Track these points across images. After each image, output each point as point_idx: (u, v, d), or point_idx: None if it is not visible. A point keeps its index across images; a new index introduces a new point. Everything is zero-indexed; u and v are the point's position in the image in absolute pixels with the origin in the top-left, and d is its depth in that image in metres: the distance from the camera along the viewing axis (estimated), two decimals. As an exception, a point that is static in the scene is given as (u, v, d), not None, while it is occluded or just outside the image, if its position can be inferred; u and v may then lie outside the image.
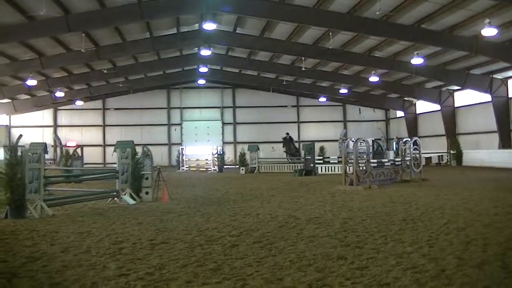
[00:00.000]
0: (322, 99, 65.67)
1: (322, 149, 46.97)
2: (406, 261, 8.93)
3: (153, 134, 65.22)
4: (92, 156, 59.64)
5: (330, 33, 35.96)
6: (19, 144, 16.52)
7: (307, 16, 32.62)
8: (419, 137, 41.00)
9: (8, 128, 66.25)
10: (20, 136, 17.40)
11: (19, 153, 15.93)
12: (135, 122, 65.75)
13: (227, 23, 38.53)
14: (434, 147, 54.22)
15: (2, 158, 17.51)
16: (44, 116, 66.77)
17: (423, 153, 31.52)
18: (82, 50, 36.68)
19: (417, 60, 37.91)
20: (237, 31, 39.85)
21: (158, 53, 47.58)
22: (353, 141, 27.13)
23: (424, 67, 41.14)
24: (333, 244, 10.51)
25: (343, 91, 57.63)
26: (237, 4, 32.71)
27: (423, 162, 31.20)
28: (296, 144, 55.31)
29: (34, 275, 8.30)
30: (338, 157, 41.55)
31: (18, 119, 65.96)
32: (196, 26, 39.78)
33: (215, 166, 50.97)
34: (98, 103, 67.09)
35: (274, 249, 10.19)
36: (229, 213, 16.04)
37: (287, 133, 48.22)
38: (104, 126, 67.46)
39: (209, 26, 35.63)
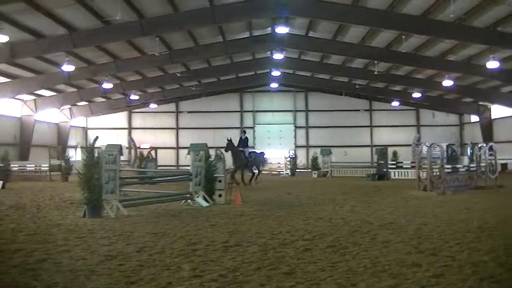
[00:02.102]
0: (395, 103, 64.79)
1: (395, 153, 46.45)
2: (483, 270, 8.70)
3: (225, 136, 65.43)
4: (165, 158, 60.44)
5: (403, 37, 35.49)
6: (96, 145, 16.82)
7: (380, 19, 32.31)
8: (495, 142, 40.00)
9: (85, 130, 67.85)
10: (97, 138, 17.83)
11: (96, 155, 16.29)
12: (208, 125, 66.23)
13: (300, 27, 38.48)
14: (511, 153, 52.86)
15: (80, 159, 17.89)
16: (119, 118, 68.05)
17: (499, 159, 30.78)
18: (156, 54, 37.21)
19: (492, 64, 36.90)
20: (309, 35, 39.74)
21: (231, 57, 47.89)
22: (427, 146, 26.73)
23: (499, 70, 40.10)
24: (407, 250, 10.38)
25: (416, 95, 56.73)
26: (309, 7, 32.62)
27: (499, 168, 30.41)
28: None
29: (111, 273, 8.48)
30: (411, 162, 41.01)
31: (94, 121, 67.46)
32: (269, 29, 39.89)
33: (287, 170, 50.95)
34: (171, 106, 67.96)
35: (347, 254, 10.13)
36: (301, 217, 16.02)
37: (229, 139, 31.42)
38: (177, 128, 68.27)
39: (281, 29, 35.69)
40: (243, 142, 32.58)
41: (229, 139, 31.06)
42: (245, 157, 31.53)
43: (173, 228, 13.53)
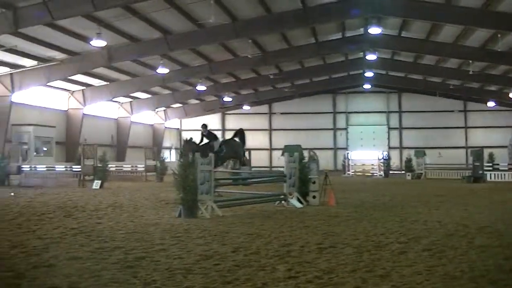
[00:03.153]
0: (490, 104, 62.89)
1: (491, 155, 45.23)
2: None
3: (319, 138, 65.25)
4: (258, 159, 60.75)
5: (499, 35, 34.43)
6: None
7: (474, 17, 31.43)
8: None
9: (179, 131, 69.05)
10: (191, 139, 18.26)
11: (190, 156, 16.52)
12: (301, 126, 66.16)
13: (392, 27, 37.97)
14: None
15: (175, 160, 18.19)
16: (213, 120, 68.84)
17: None
18: (249, 56, 37.48)
19: None
20: (402, 35, 39.14)
21: (324, 58, 47.74)
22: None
23: None
24: (505, 256, 10.07)
25: (514, 95, 54.96)
26: (401, 7, 32.13)
27: None
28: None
29: (207, 273, 8.55)
30: (508, 164, 39.86)
31: (188, 122, 68.51)
32: (361, 30, 39.56)
33: (381, 171, 50.39)
34: (264, 108, 68.28)
35: (443, 257, 9.90)
36: (396, 219, 15.78)
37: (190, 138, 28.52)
38: (270, 130, 68.56)
39: (374, 30, 35.33)
40: (207, 137, 28.40)
41: (186, 139, 27.89)
42: (214, 152, 24.85)
43: (267, 229, 13.57)
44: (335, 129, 67.44)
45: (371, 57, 43.14)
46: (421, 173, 45.75)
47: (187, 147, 25.10)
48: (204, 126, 28.61)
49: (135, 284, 7.81)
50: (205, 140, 28.13)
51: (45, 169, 34.21)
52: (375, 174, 51.17)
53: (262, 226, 14.03)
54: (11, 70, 35.64)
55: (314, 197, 20.64)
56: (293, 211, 18.41)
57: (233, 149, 28.84)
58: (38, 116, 40.44)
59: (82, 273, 8.46)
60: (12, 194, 25.74)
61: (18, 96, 37.89)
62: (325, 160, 58.35)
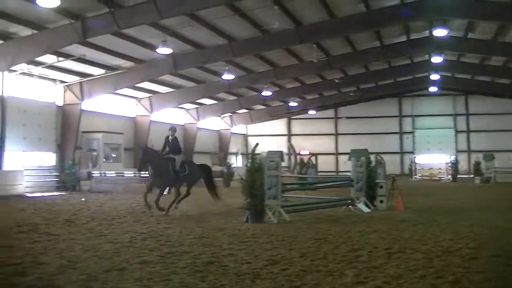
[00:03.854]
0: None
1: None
2: None
3: (384, 142, 64.57)
4: (324, 164, 60.50)
5: None
6: (256, 152, 17.17)
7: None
8: None
9: (245, 137, 69.39)
10: (257, 144, 18.25)
11: (257, 161, 16.59)
12: (366, 130, 65.62)
13: (458, 29, 37.23)
14: None
15: (241, 166, 18.31)
16: (278, 125, 68.97)
17: None
18: (314, 61, 37.37)
19: None
20: (468, 36, 38.41)
21: (389, 61, 47.30)
22: None
23: None
24: None
25: None
26: (466, 8, 31.48)
27: None
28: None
29: (275, 278, 8.59)
30: None
31: (254, 128, 68.80)
32: (426, 32, 39.00)
33: (449, 175, 49.59)
34: (330, 112, 67.99)
35: (515, 264, 9.72)
36: (465, 223, 15.54)
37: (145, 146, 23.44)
38: (336, 134, 68.25)
39: (439, 32, 34.80)
40: (172, 146, 20.42)
41: (144, 146, 21.86)
42: (174, 169, 19.57)
43: (335, 233, 13.53)
44: (401, 133, 66.66)
45: (436, 59, 42.50)
46: (490, 177, 44.86)
47: (144, 157, 19.37)
48: (173, 129, 20.87)
49: (204, 289, 7.89)
50: (168, 148, 20.66)
51: (114, 175, 34.85)
52: (442, 178, 50.41)
53: (329, 231, 14.00)
54: (81, 78, 36.43)
55: (381, 201, 20.51)
56: (361, 215, 18.33)
57: (196, 173, 21.31)
58: (106, 123, 41.19)
59: (152, 276, 8.63)
60: (83, 199, 26.30)
61: (87, 104, 38.70)
62: (391, 164, 57.72)
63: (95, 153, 37.63)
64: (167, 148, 20.23)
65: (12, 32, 27.69)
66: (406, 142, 66.24)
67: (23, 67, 31.81)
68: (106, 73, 36.19)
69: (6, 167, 31.88)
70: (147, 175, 34.07)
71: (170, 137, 20.36)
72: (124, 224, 15.80)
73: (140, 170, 21.37)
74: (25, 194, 29.30)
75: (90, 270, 9.06)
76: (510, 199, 24.99)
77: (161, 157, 19.73)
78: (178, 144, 20.63)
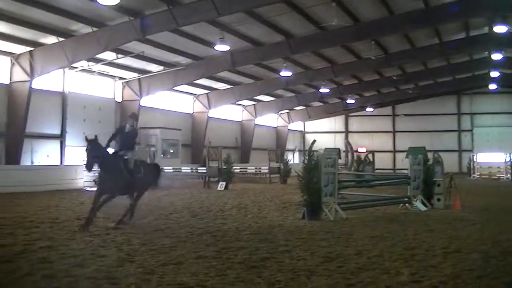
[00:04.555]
0: None
1: None
2: None
3: (442, 140, 63.71)
4: (381, 161, 59.96)
5: None
6: (313, 149, 17.17)
7: None
8: None
9: (302, 133, 69.40)
10: (314, 141, 18.21)
11: (314, 158, 16.62)
12: (424, 128, 64.87)
13: (520, 25, 36.56)
14: None
15: (298, 163, 18.28)
16: (336, 122, 68.77)
17: None
18: (371, 58, 37.13)
19: None
20: (531, 32, 37.61)
21: (447, 58, 46.62)
22: None
23: None
24: None
25: None
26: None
27: None
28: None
29: (331, 275, 8.63)
30: None
31: (311, 125, 68.76)
32: (486, 29, 38.31)
33: (508, 175, 48.66)
34: (387, 110, 67.51)
35: None
36: (524, 224, 15.32)
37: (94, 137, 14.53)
38: (393, 132, 67.71)
39: (499, 28, 34.16)
40: (123, 140, 15.48)
41: (91, 139, 14.39)
42: (127, 169, 14.88)
43: (391, 231, 13.48)
44: (459, 131, 65.68)
45: (497, 56, 41.73)
46: (552, 176, 43.95)
47: (90, 153, 14.07)
48: (134, 117, 16.64)
49: (260, 284, 7.99)
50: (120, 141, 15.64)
51: (171, 170, 35.20)
52: (501, 177, 49.47)
53: (385, 229, 13.95)
54: (139, 75, 37.00)
55: (438, 200, 20.30)
56: (418, 214, 18.20)
57: (151, 176, 16.24)
58: (164, 119, 41.71)
59: (208, 271, 8.76)
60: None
61: (145, 100, 39.23)
62: (449, 162, 56.97)
63: (153, 149, 38.09)
64: (116, 141, 15.25)
65: (73, 30, 28.29)
66: (465, 140, 65.25)
67: (83, 64, 32.46)
68: (164, 70, 36.63)
69: (66, 161, 32.61)
70: (203, 170, 34.57)
71: (128, 126, 15.51)
72: (181, 219, 16.00)
73: (88, 169, 14.38)
74: (85, 188, 29.85)
75: (147, 264, 9.27)
76: None
77: (109, 155, 14.77)
78: (136, 134, 15.76)
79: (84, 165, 14.59)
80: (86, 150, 13.93)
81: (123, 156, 14.74)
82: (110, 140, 14.97)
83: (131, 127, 15.46)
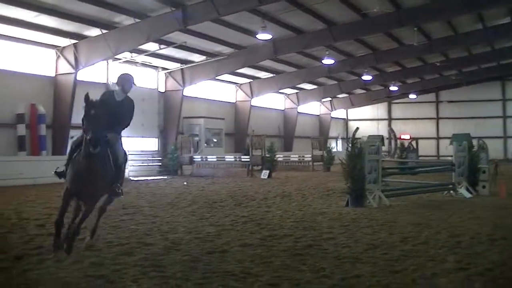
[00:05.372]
0: None
1: None
2: None
3: (487, 126, 62.83)
4: (425, 148, 59.50)
5: None
6: (357, 136, 17.19)
7: None
8: None
9: (345, 121, 69.18)
10: (357, 129, 18.22)
11: (358, 146, 16.62)
12: (468, 114, 64.01)
13: None
14: None
15: (341, 150, 18.24)
16: (379, 109, 68.36)
17: None
18: (414, 44, 36.81)
19: None
20: None
21: (491, 44, 45.96)
22: None
23: None
24: None
25: None
26: None
27: None
28: None
29: (375, 262, 8.65)
30: None
31: (354, 112, 68.48)
32: (533, 13, 37.68)
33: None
34: (431, 96, 66.81)
35: None
36: None
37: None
38: (437, 118, 67.03)
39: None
40: (113, 114, 9.59)
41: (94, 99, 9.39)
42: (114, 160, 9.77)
43: (436, 219, 13.41)
44: (504, 117, 64.73)
45: (544, 40, 41.11)
46: None
47: (95, 122, 9.04)
48: (127, 80, 10.27)
49: (304, 271, 8.04)
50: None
51: (215, 159, 35.46)
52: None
53: (430, 216, 13.89)
54: (182, 65, 37.22)
55: (484, 187, 20.12)
56: (462, 201, 18.05)
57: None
58: (207, 109, 41.96)
59: (253, 259, 8.84)
60: (185, 183, 26.94)
61: (188, 90, 39.48)
62: (494, 149, 56.25)
63: (196, 138, 38.35)
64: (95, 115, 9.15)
65: (116, 22, 28.59)
66: (510, 127, 64.31)
67: (126, 55, 32.77)
68: (207, 60, 36.76)
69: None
70: (246, 159, 34.68)
71: (119, 92, 10.11)
72: (225, 207, 16.14)
73: (94, 147, 8.85)
74: (130, 178, 30.21)
75: (193, 252, 9.39)
76: None
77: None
78: (130, 112, 10.17)
79: (88, 140, 8.74)
80: (88, 116, 8.95)
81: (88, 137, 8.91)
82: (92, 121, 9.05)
83: (124, 96, 10.05)
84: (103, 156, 9.19)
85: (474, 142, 22.02)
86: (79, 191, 9.15)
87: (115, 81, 10.26)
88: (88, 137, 8.76)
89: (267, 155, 33.18)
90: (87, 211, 9.27)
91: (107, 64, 33.02)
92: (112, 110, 9.49)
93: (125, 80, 10.10)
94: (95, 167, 9.06)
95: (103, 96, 9.89)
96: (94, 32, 29.04)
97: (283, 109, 54.84)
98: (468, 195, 19.15)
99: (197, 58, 36.91)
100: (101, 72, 33.03)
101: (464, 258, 8.94)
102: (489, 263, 8.56)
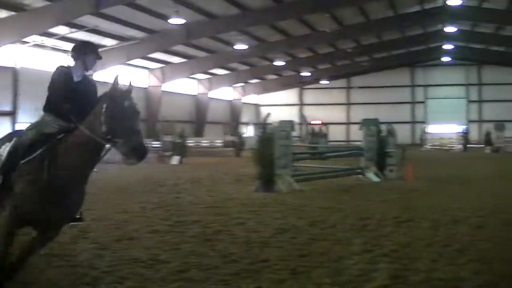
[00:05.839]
0: None
1: None
2: None
3: (396, 112, 64.26)
4: (336, 133, 60.46)
5: None
6: (268, 122, 17.27)
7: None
8: None
9: (257, 107, 69.41)
10: (268, 114, 18.28)
11: (268, 131, 16.66)
12: (378, 100, 65.24)
13: (473, -2, 37.02)
14: None
15: (253, 136, 18.24)
16: (290, 95, 68.94)
17: None
18: (327, 30, 37.26)
19: None
20: (483, 6, 38.08)
21: (402, 31, 47.02)
22: None
23: None
24: None
25: None
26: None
27: None
28: None
29: (284, 246, 8.69)
30: None
31: (266, 98, 68.79)
32: (441, 2, 38.71)
33: (459, 145, 49.51)
34: (342, 82, 67.86)
35: (523, 231, 9.80)
36: (473, 193, 15.61)
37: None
38: (348, 104, 68.14)
39: (454, 1, 34.52)
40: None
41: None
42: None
43: (344, 203, 13.60)
44: (413, 103, 66.45)
45: (450, 29, 42.31)
46: (500, 147, 44.82)
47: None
48: (87, 50, 6.83)
49: (213, 257, 7.99)
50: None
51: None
52: (453, 148, 50.29)
53: (339, 200, 14.08)
54: (93, 49, 36.52)
55: (391, 171, 20.54)
56: (370, 185, 18.41)
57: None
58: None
59: (162, 245, 8.74)
60: (95, 170, 26.40)
61: (99, 75, 38.76)
62: (403, 134, 57.66)
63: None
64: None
65: (25, 4, 27.68)
66: (418, 112, 66.08)
67: (36, 38, 31.87)
68: (119, 44, 36.20)
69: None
70: (157, 145, 34.40)
71: (78, 70, 6.81)
72: (135, 194, 15.90)
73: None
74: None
75: (101, 239, 9.20)
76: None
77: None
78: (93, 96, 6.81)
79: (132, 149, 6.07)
80: (121, 110, 6.16)
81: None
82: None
83: (84, 75, 6.91)
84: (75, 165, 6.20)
85: (383, 127, 22.44)
86: (43, 215, 6.03)
87: (70, 52, 6.85)
88: (133, 145, 5.97)
89: (178, 141, 32.96)
90: (41, 244, 6.51)
91: (15, 47, 32.01)
92: (70, 96, 6.53)
93: (88, 51, 6.84)
94: (82, 180, 6.55)
95: (58, 75, 6.65)
96: (1, 14, 28.07)
97: (195, 94, 54.60)
98: (376, 179, 19.50)
99: (108, 42, 36.26)
100: (8, 56, 32.01)
101: (371, 240, 9.10)
102: (394, 244, 8.73)
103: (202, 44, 41.05)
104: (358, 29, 41.46)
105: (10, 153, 6.39)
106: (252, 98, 68.14)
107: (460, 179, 20.28)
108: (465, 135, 50.25)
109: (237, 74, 54.68)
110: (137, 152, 6.00)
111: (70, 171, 6.08)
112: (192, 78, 52.67)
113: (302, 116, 52.75)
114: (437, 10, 40.18)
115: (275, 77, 61.67)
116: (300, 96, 69.51)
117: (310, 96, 69.08)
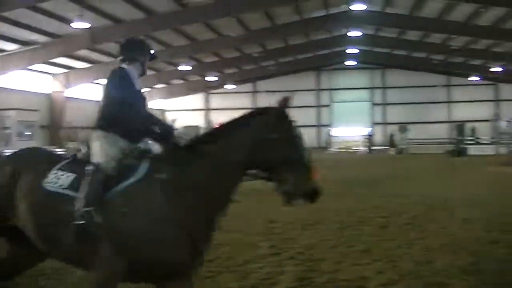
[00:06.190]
0: (474, 78, 62.54)
1: (473, 130, 45.60)
2: None
3: (302, 115, 64.84)
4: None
5: (482, 10, 34.43)
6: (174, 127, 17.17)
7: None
8: None
9: (163, 112, 68.95)
10: (175, 119, 18.19)
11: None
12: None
13: (376, 3, 37.82)
14: None
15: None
16: (197, 100, 68.79)
17: None
18: (233, 35, 37.40)
19: None
20: (386, 11, 39.15)
21: (308, 35, 47.71)
22: (509, 122, 26.20)
23: None
24: (486, 228, 10.26)
25: (497, 69, 54.55)
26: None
27: None
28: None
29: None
30: (491, 138, 40.28)
31: (172, 103, 68.35)
32: (345, 7, 39.50)
33: (365, 148, 50.64)
34: (248, 86, 68.09)
35: (425, 231, 10.12)
36: (378, 194, 16.00)
37: None
38: (255, 109, 68.42)
39: (357, 6, 35.30)
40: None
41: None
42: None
43: (253, 206, 13.64)
44: (319, 106, 67.38)
45: (354, 33, 43.19)
46: (403, 148, 46.13)
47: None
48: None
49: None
50: None
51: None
52: (358, 150, 51.40)
53: (248, 205, 14.04)
54: (-7, 54, 35.48)
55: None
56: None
57: None
58: (20, 100, 40.10)
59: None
60: None
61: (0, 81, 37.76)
62: (308, 137, 58.28)
63: (8, 131, 36.66)
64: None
65: None
66: (324, 116, 67.08)
67: None
68: (20, 48, 35.26)
69: None
70: (62, 152, 33.72)
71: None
72: None
73: None
74: None
75: None
76: (421, 169, 25.74)
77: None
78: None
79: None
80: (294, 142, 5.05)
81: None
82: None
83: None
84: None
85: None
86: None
87: (122, 52, 6.12)
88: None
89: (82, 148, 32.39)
90: None
91: None
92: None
93: (146, 51, 6.10)
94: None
95: (120, 79, 5.77)
96: None
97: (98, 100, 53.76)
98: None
99: (9, 46, 35.19)
100: None
101: (278, 243, 9.20)
102: (300, 247, 8.87)
103: (109, 49, 40.43)
104: (264, 34, 41.74)
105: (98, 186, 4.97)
106: (159, 103, 67.63)
107: (365, 180, 20.75)
108: (369, 137, 51.36)
109: (143, 79, 53.08)
110: None
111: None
112: (97, 84, 51.84)
113: (208, 121, 52.65)
114: (341, 14, 40.94)
115: (181, 81, 61.39)
116: (207, 101, 69.42)
117: (216, 100, 69.02)
